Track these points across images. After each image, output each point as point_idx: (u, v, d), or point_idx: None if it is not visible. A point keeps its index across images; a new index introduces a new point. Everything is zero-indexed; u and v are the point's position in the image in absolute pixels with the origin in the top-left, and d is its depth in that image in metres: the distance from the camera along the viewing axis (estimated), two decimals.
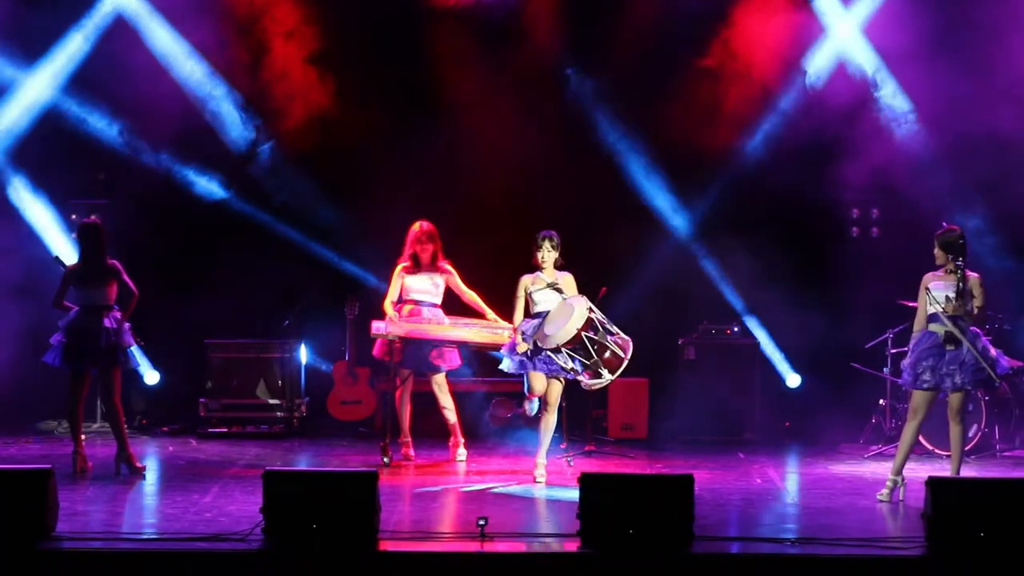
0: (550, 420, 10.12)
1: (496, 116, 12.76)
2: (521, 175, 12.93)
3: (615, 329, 9.81)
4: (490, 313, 10.98)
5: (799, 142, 12.72)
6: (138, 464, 10.32)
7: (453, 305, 11.21)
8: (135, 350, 10.35)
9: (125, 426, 10.35)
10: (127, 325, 10.27)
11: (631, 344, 9.79)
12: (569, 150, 13.11)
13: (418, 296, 11.00)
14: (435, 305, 11.02)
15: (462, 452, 11.19)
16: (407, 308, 10.97)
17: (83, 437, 10.40)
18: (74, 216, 12.73)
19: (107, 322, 10.17)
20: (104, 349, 10.15)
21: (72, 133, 12.90)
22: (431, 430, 11.66)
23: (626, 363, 9.74)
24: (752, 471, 10.83)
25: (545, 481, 10.01)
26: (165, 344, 12.73)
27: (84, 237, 10.34)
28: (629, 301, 12.26)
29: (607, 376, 9.74)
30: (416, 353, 10.94)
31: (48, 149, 12.90)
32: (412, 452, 11.12)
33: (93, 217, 10.76)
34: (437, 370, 11.01)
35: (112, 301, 10.25)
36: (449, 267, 11.12)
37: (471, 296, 11.07)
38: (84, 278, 10.23)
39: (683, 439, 12.22)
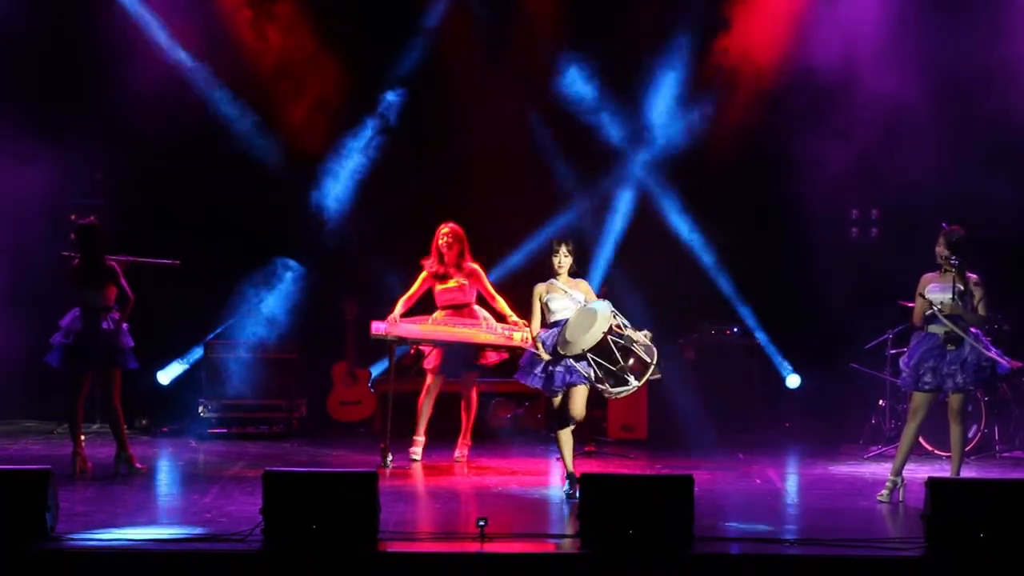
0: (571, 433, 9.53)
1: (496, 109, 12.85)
2: (520, 174, 12.98)
3: (638, 334, 9.31)
4: (513, 316, 10.91)
5: (798, 142, 12.72)
6: (138, 464, 10.32)
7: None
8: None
9: (125, 427, 10.35)
10: (125, 326, 10.27)
11: (656, 349, 9.29)
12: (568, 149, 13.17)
13: (449, 301, 11.01)
14: (468, 305, 11.03)
15: (462, 453, 11.18)
16: (440, 314, 10.96)
17: (83, 437, 10.40)
18: (72, 216, 12.72)
19: (105, 323, 10.17)
20: (103, 350, 10.16)
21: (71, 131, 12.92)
22: (434, 430, 11.61)
23: (652, 368, 9.24)
24: (752, 471, 10.82)
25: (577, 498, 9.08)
26: (165, 344, 12.78)
27: (82, 238, 10.33)
28: (630, 300, 12.26)
29: (633, 383, 9.21)
30: (452, 354, 10.95)
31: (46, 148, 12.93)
32: (418, 453, 11.11)
33: (91, 218, 10.75)
34: (476, 368, 11.05)
35: (111, 302, 10.24)
36: (476, 268, 11.11)
37: (499, 301, 11.04)
38: (82, 279, 10.22)
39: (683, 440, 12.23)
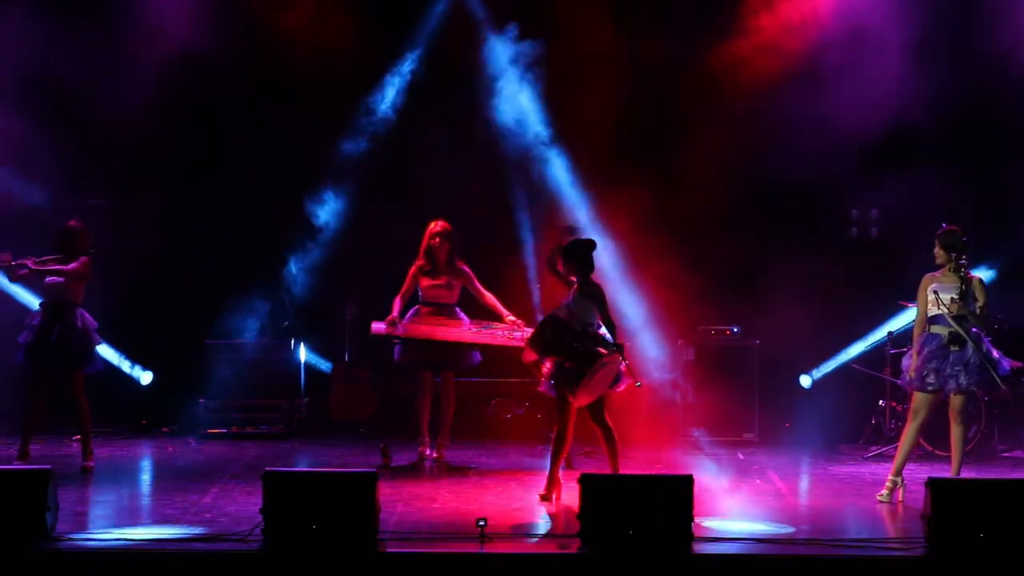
0: (605, 434, 9.37)
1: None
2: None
3: (599, 340, 9.12)
4: (509, 316, 10.90)
5: (798, 142, 12.71)
6: (90, 463, 10.32)
7: (470, 307, 11.17)
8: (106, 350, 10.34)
9: (90, 424, 10.37)
10: (94, 325, 10.29)
11: (611, 352, 9.04)
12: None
13: (434, 298, 10.97)
14: (452, 305, 11.00)
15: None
16: (425, 310, 10.93)
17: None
18: (72, 222, 12.68)
19: (68, 320, 10.17)
20: (62, 349, 10.17)
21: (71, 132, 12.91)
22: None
23: (616, 371, 9.09)
24: (752, 471, 10.83)
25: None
26: (166, 344, 12.79)
27: (61, 239, 10.36)
28: (629, 301, 12.27)
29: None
30: (431, 353, 10.91)
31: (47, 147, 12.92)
32: (429, 451, 11.09)
33: (73, 220, 10.73)
34: (454, 367, 10.99)
35: (71, 296, 10.24)
36: (465, 268, 11.08)
37: (489, 298, 11.02)
38: (46, 277, 10.24)
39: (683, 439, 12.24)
